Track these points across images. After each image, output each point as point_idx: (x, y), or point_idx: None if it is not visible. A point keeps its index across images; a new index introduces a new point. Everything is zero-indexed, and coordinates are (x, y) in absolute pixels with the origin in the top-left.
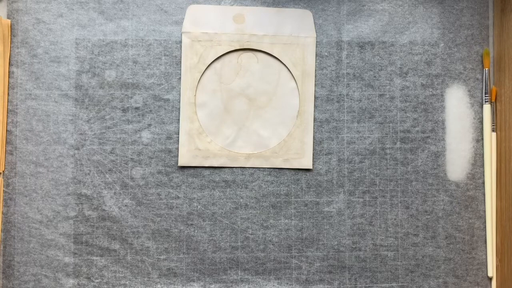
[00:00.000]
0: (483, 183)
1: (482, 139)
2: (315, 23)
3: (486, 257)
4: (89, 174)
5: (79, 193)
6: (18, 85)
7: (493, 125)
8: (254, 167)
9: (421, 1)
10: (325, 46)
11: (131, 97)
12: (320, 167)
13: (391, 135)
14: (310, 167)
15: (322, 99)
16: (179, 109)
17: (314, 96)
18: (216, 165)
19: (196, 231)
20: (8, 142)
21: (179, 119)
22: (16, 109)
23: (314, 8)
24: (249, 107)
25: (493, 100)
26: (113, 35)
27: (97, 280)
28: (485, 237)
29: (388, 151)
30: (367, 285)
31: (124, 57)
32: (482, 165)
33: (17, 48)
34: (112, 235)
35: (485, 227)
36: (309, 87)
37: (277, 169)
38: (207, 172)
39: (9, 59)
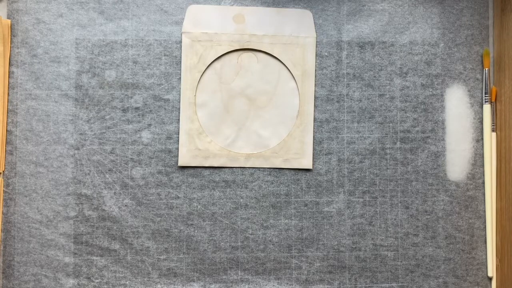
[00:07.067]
0: (483, 183)
1: (482, 139)
2: (315, 23)
3: (486, 257)
4: (89, 174)
5: (79, 193)
6: (18, 85)
7: (493, 125)
8: (254, 167)
9: (421, 1)
10: (325, 46)
11: (131, 97)
12: (320, 167)
13: (391, 135)
14: (310, 167)
15: (322, 99)
16: (179, 109)
17: (314, 96)
18: (216, 165)
19: (196, 231)
20: (8, 142)
21: (179, 119)
22: (16, 109)
23: (314, 8)
24: (249, 107)
25: (493, 100)
26: (113, 35)
27: (97, 280)
28: (485, 237)
29: (388, 151)
30: (367, 285)
31: (124, 57)
32: (482, 165)
33: (17, 48)
34: (112, 235)
35: (485, 227)
36: (309, 87)
37: (277, 169)
38: (207, 172)
39: (9, 59)
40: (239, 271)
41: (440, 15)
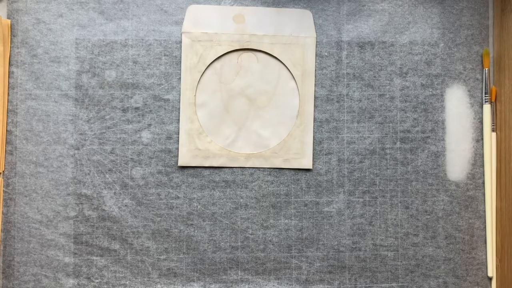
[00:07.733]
0: (483, 183)
1: (482, 139)
2: (315, 23)
3: (486, 257)
4: (89, 174)
5: (79, 193)
6: (18, 85)
7: (493, 125)
8: (254, 167)
9: (421, 1)
10: (325, 46)
11: (131, 97)
12: (320, 167)
13: (391, 135)
14: (310, 167)
15: (322, 99)
16: (179, 109)
17: (314, 96)
18: (216, 165)
19: (196, 231)
20: (8, 142)
21: (179, 119)
22: (16, 109)
23: (314, 8)
24: (249, 107)
25: (493, 100)
26: (113, 35)
27: (97, 280)
28: (485, 237)
29: (388, 151)
30: (367, 285)
31: (124, 57)
32: (482, 165)
33: (17, 48)
34: (112, 235)
35: (485, 227)
36: (309, 87)
37: (277, 169)
38: (207, 172)
39: (9, 59)
40: (239, 271)
41: (440, 15)
